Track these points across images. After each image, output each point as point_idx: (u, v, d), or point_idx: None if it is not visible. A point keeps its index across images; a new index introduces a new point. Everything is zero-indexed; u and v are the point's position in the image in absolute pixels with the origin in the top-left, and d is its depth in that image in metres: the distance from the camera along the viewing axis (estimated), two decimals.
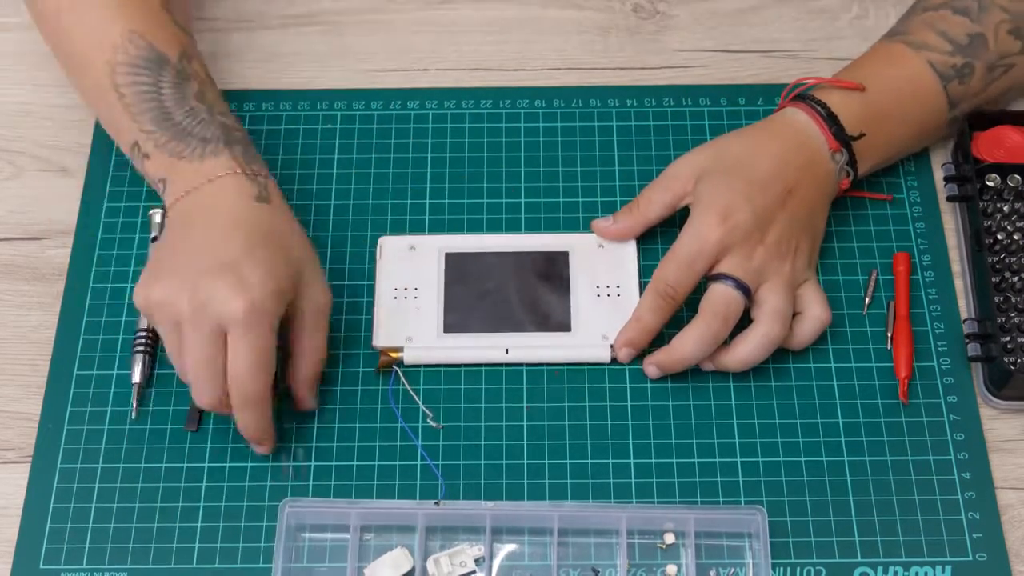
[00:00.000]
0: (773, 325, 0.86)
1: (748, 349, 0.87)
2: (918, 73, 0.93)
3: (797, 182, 0.89)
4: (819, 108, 0.91)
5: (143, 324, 0.90)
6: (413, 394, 0.89)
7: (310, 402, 0.87)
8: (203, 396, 0.82)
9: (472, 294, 0.92)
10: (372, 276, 0.94)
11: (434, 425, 0.88)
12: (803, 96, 0.92)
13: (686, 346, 0.87)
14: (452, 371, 0.90)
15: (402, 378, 0.90)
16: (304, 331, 0.85)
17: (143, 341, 0.90)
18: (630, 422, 0.88)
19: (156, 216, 0.95)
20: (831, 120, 0.90)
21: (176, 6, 0.93)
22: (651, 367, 0.89)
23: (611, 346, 0.90)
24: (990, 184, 0.95)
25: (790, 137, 0.90)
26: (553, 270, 0.93)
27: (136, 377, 0.89)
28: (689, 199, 0.90)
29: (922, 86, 0.93)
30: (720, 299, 0.86)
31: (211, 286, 0.80)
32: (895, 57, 0.94)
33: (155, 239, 0.94)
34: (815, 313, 0.88)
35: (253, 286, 0.80)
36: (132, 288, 0.93)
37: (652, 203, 0.91)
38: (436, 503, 0.83)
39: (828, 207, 0.92)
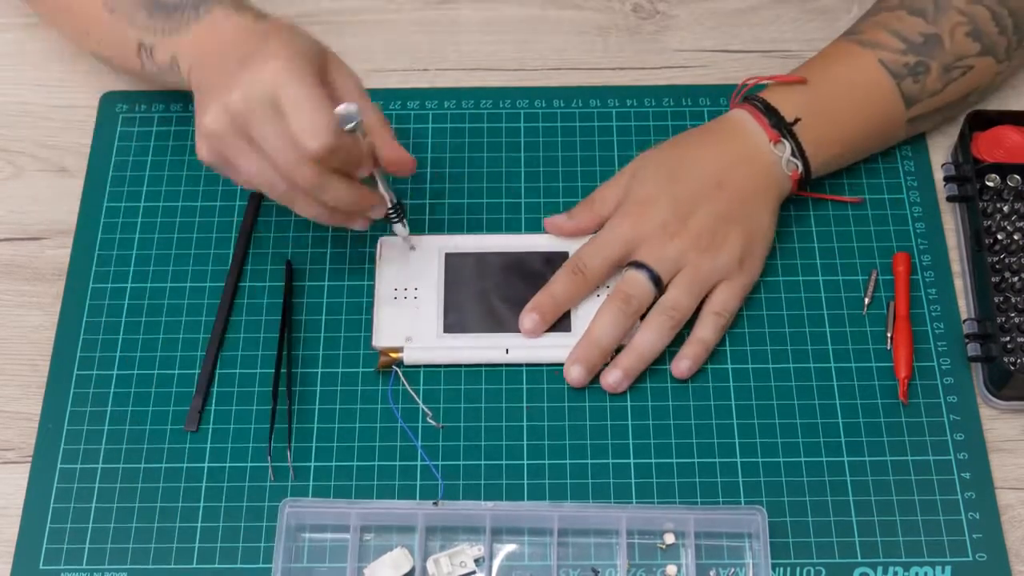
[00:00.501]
0: (659, 317, 0.89)
1: (638, 337, 0.89)
2: (867, 68, 0.93)
3: (728, 176, 0.90)
4: (757, 103, 0.92)
5: (390, 202, 0.88)
6: (413, 394, 0.89)
7: (405, 154, 0.87)
8: (307, 206, 0.83)
9: (472, 294, 0.92)
10: (372, 276, 0.94)
11: (434, 424, 0.88)
12: (747, 96, 0.94)
13: (596, 327, 0.88)
14: (452, 371, 0.90)
15: (402, 378, 0.90)
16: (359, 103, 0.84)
17: (393, 212, 0.89)
18: (630, 422, 0.88)
19: None
20: (769, 112, 0.92)
21: None
22: (573, 367, 0.89)
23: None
24: (990, 184, 0.95)
25: (727, 132, 0.93)
26: (553, 270, 0.93)
27: (403, 231, 0.91)
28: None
29: (872, 81, 0.93)
30: (628, 283, 0.89)
31: (239, 79, 0.79)
32: (843, 55, 0.95)
33: None
34: (709, 308, 0.90)
35: (280, 51, 0.79)
36: (132, 288, 0.93)
37: (606, 200, 0.93)
38: (435, 503, 0.83)
39: (773, 203, 0.92)
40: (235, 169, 0.82)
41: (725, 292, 0.90)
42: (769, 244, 0.93)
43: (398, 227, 0.91)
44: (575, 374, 0.88)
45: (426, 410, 0.88)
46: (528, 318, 0.90)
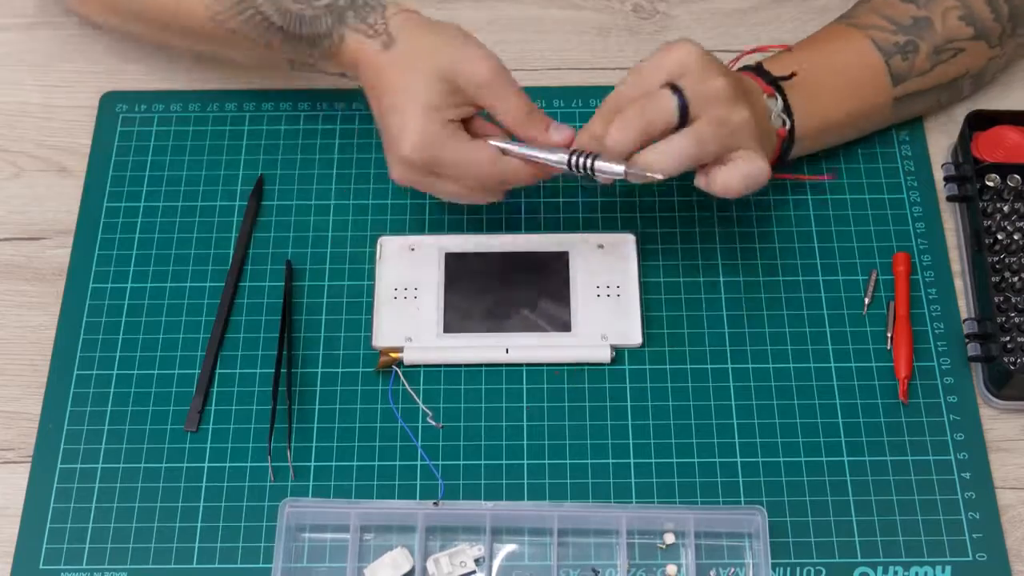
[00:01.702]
0: (682, 141, 0.81)
1: (650, 153, 0.82)
2: (857, 45, 0.94)
3: (745, 86, 0.88)
4: (750, 66, 0.93)
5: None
6: (413, 394, 0.89)
7: (562, 132, 0.86)
8: (522, 172, 0.86)
9: (472, 294, 0.92)
10: (372, 276, 0.94)
11: (434, 425, 0.88)
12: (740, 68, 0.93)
13: (613, 128, 0.81)
14: (452, 371, 0.90)
15: (402, 378, 0.90)
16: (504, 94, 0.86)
17: None
18: (630, 422, 0.88)
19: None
20: (760, 71, 0.92)
21: None
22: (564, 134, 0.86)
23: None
24: (990, 184, 0.95)
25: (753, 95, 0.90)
26: (553, 270, 0.93)
27: None
28: None
29: (861, 56, 0.94)
30: (654, 97, 0.82)
31: (392, 137, 0.86)
32: (834, 34, 0.96)
33: None
34: (744, 163, 0.83)
35: (404, 106, 0.84)
36: (132, 288, 0.93)
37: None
38: (435, 503, 0.83)
39: (763, 143, 0.87)
40: (432, 193, 0.89)
41: (732, 172, 0.84)
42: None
43: (600, 164, 0.83)
44: (560, 136, 0.86)
45: (426, 410, 0.88)
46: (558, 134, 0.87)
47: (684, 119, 0.82)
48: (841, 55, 0.94)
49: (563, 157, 0.84)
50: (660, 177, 0.81)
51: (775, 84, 0.91)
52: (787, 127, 0.91)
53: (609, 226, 0.96)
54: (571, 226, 0.96)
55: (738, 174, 0.83)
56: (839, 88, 0.94)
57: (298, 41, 0.90)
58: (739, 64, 0.94)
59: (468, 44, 0.86)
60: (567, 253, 0.94)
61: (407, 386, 0.89)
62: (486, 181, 0.86)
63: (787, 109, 0.91)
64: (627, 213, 0.97)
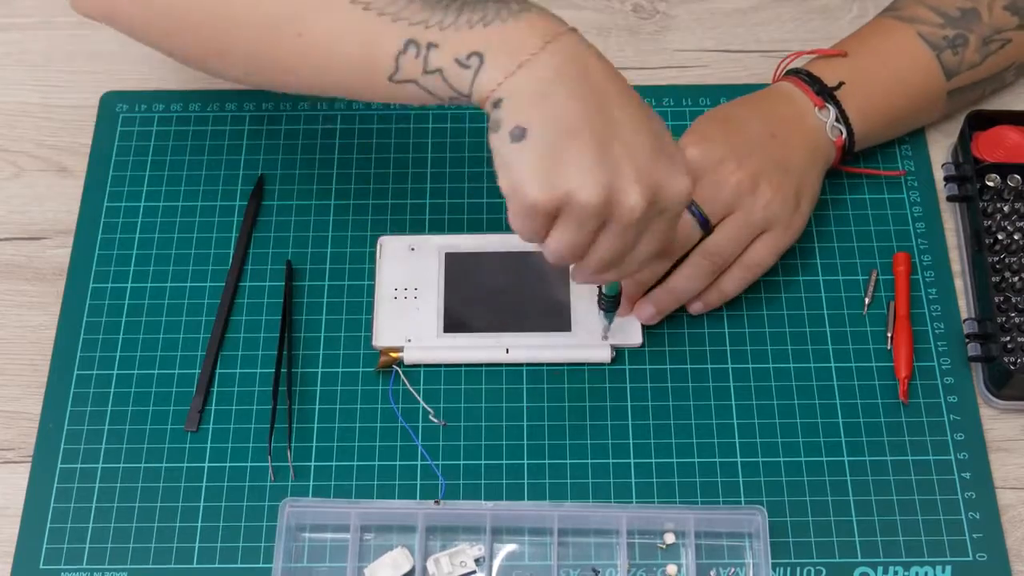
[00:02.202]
0: (700, 260, 0.87)
1: (675, 276, 0.87)
2: (906, 41, 0.94)
3: (780, 129, 0.90)
4: (801, 74, 0.93)
5: None
6: (414, 393, 0.89)
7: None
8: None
9: (472, 294, 0.92)
10: (372, 276, 0.94)
11: (437, 422, 0.88)
12: (788, 71, 0.95)
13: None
14: (452, 371, 0.90)
15: (402, 378, 0.90)
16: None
17: None
18: (630, 422, 0.88)
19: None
20: (811, 80, 0.92)
21: None
22: (645, 307, 0.89)
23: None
24: (990, 184, 0.95)
25: (773, 99, 0.93)
26: (553, 270, 0.93)
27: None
28: None
29: (912, 52, 0.94)
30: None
31: (658, 172, 0.69)
32: (882, 29, 0.96)
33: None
34: (743, 260, 0.88)
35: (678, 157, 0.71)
36: (132, 288, 0.93)
37: None
38: (436, 502, 0.83)
39: (820, 166, 0.92)
40: (576, 224, 0.72)
41: (765, 246, 0.88)
42: (814, 205, 0.92)
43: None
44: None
45: (428, 408, 0.88)
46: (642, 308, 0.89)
47: (706, 226, 0.86)
48: (892, 54, 0.94)
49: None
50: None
51: (827, 94, 0.92)
52: (843, 136, 0.92)
53: None
54: None
55: (765, 251, 0.88)
56: (892, 86, 0.94)
57: (438, 4, 0.72)
58: (790, 66, 0.95)
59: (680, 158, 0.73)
60: None
61: (408, 385, 0.89)
62: None
63: (842, 116, 0.92)
64: None
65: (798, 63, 0.95)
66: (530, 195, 0.67)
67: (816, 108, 0.91)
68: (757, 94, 0.94)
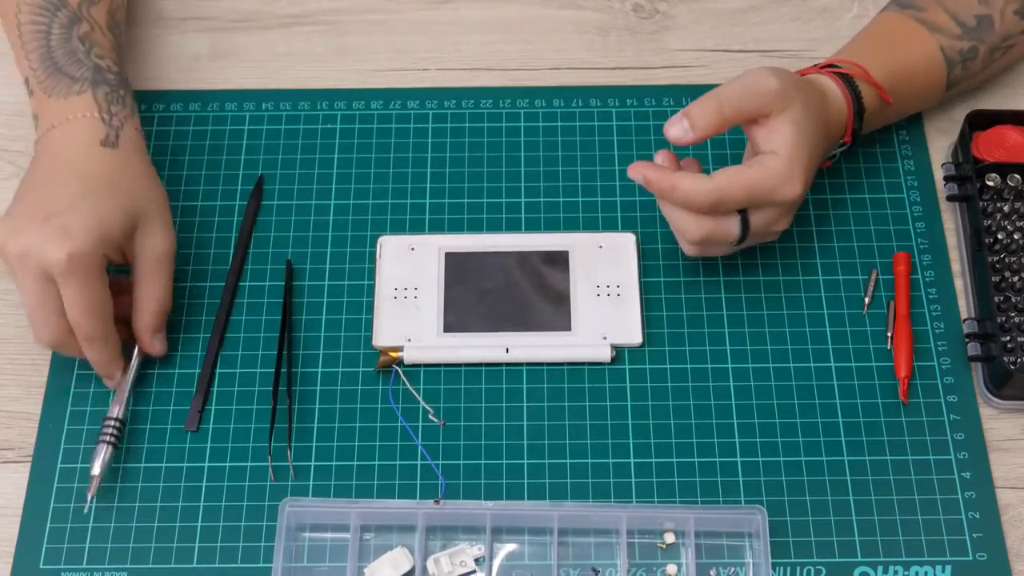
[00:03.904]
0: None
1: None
2: (931, 57, 0.95)
3: (824, 143, 0.89)
4: (854, 99, 0.91)
5: (113, 413, 0.86)
6: (414, 392, 0.89)
7: (152, 347, 0.89)
8: (40, 336, 0.85)
9: (472, 294, 0.92)
10: (372, 276, 0.94)
11: (436, 421, 0.88)
12: (843, 77, 0.91)
13: (687, 216, 0.85)
14: (452, 371, 0.90)
15: (402, 377, 0.90)
16: (143, 277, 0.88)
17: (110, 430, 0.86)
18: (630, 422, 0.88)
19: None
20: (858, 116, 0.91)
21: None
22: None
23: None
24: (990, 184, 0.95)
25: (829, 102, 0.90)
26: (553, 270, 0.93)
27: (96, 469, 0.84)
28: (771, 119, 0.86)
29: (931, 70, 0.95)
30: (721, 224, 0.85)
31: (35, 235, 0.82)
32: (915, 39, 0.95)
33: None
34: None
35: (75, 234, 0.82)
36: None
37: (740, 112, 0.85)
38: (436, 501, 0.83)
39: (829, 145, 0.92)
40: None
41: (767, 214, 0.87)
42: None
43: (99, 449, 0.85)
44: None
45: (427, 407, 0.88)
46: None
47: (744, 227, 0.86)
48: (917, 70, 0.95)
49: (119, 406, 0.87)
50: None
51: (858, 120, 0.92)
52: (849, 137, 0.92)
53: (609, 226, 0.96)
54: (571, 226, 0.96)
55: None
56: (905, 92, 0.95)
57: (48, 63, 0.90)
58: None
59: (166, 213, 0.89)
60: (567, 253, 0.94)
61: (408, 385, 0.89)
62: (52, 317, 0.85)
63: (859, 108, 0.91)
64: (627, 213, 0.97)
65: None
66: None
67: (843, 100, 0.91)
68: (815, 84, 0.90)
